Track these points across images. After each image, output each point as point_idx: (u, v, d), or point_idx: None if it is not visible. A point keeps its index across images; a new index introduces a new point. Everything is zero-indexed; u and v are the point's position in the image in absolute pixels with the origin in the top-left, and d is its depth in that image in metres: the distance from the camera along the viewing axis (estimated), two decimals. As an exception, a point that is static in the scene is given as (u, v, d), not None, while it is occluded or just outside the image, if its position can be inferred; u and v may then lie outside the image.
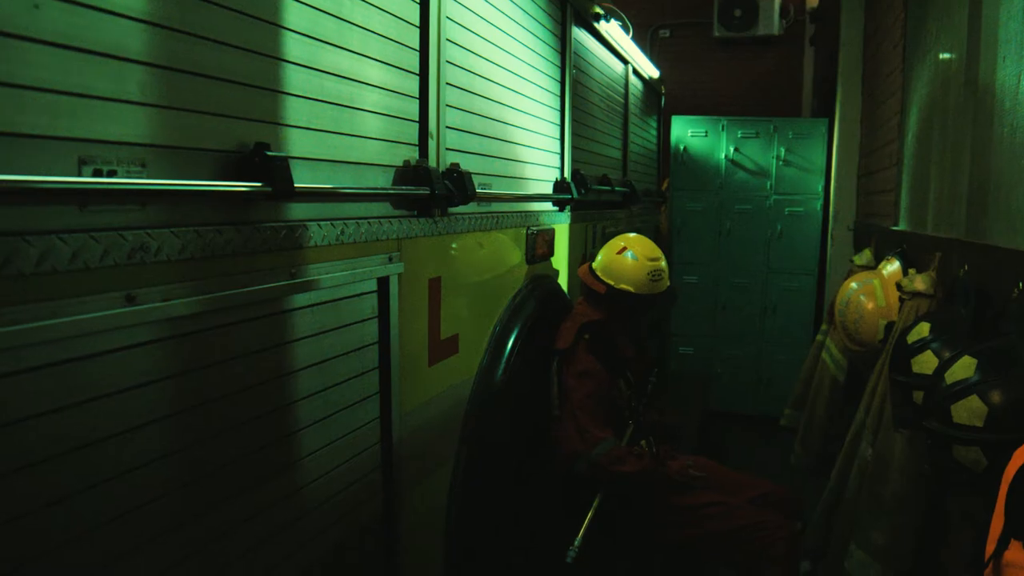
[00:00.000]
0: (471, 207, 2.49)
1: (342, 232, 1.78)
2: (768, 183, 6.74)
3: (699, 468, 3.22)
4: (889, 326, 3.11)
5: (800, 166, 6.66)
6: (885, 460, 2.72)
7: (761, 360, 6.88)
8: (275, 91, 1.58)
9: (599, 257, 3.30)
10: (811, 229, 6.66)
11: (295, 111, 1.64)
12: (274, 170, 1.46)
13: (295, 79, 1.64)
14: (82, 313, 1.14)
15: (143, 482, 1.29)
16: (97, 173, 1.17)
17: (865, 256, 4.21)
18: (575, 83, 3.80)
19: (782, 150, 6.67)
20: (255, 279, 1.50)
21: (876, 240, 4.27)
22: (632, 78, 5.37)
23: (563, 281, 3.65)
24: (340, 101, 1.81)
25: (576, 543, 2.72)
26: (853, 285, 3.57)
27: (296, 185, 1.52)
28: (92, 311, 1.15)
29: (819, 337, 4.58)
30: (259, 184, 1.44)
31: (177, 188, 1.28)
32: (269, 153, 1.47)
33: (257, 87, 1.52)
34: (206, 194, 1.36)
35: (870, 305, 3.36)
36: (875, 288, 3.40)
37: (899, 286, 2.98)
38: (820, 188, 6.60)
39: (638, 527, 3.13)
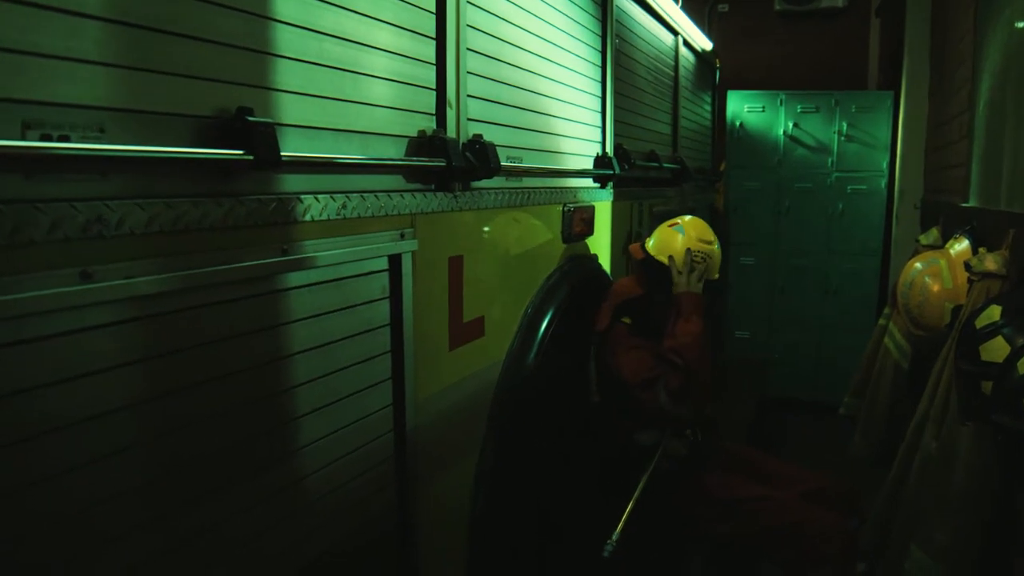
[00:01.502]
0: (498, 181, 2.35)
1: (344, 206, 1.65)
2: (829, 160, 6.42)
3: (747, 459, 3.06)
4: (956, 310, 2.89)
5: (863, 141, 6.32)
6: (950, 454, 2.51)
7: (820, 345, 6.58)
8: (263, 52, 1.45)
9: (654, 233, 3.12)
10: (875, 208, 6.32)
11: (288, 75, 1.52)
12: (256, 137, 1.33)
13: (288, 40, 1.51)
14: (25, 291, 1.03)
15: (107, 475, 1.19)
16: (45, 138, 1.06)
17: (932, 235, 3.95)
18: (618, 53, 3.61)
19: (844, 125, 6.34)
20: (238, 256, 1.38)
21: (944, 218, 4.00)
22: (683, 50, 5.14)
23: (604, 260, 3.48)
24: (343, 65, 1.68)
25: (614, 537, 2.58)
26: (918, 265, 3.33)
27: (284, 154, 1.40)
28: (37, 289, 1.05)
29: (882, 321, 4.34)
30: (239, 152, 1.32)
31: (139, 155, 1.16)
32: (251, 119, 1.34)
33: (241, 48, 1.40)
34: (176, 162, 1.24)
35: (936, 287, 3.13)
36: (941, 268, 3.17)
37: (968, 266, 2.74)
38: (885, 165, 6.26)
39: (679, 520, 2.97)
